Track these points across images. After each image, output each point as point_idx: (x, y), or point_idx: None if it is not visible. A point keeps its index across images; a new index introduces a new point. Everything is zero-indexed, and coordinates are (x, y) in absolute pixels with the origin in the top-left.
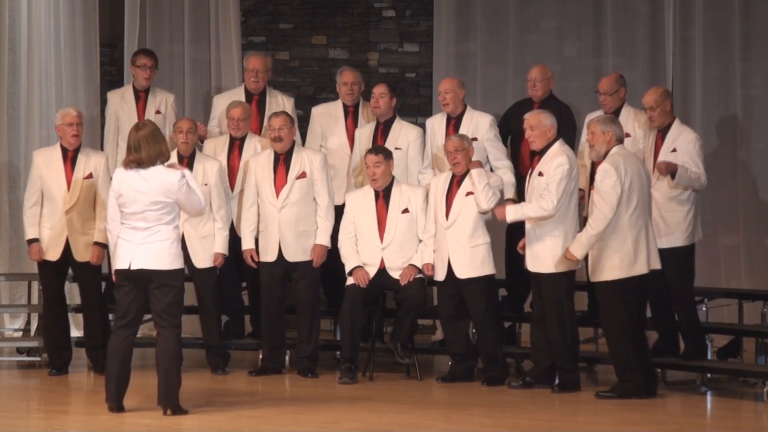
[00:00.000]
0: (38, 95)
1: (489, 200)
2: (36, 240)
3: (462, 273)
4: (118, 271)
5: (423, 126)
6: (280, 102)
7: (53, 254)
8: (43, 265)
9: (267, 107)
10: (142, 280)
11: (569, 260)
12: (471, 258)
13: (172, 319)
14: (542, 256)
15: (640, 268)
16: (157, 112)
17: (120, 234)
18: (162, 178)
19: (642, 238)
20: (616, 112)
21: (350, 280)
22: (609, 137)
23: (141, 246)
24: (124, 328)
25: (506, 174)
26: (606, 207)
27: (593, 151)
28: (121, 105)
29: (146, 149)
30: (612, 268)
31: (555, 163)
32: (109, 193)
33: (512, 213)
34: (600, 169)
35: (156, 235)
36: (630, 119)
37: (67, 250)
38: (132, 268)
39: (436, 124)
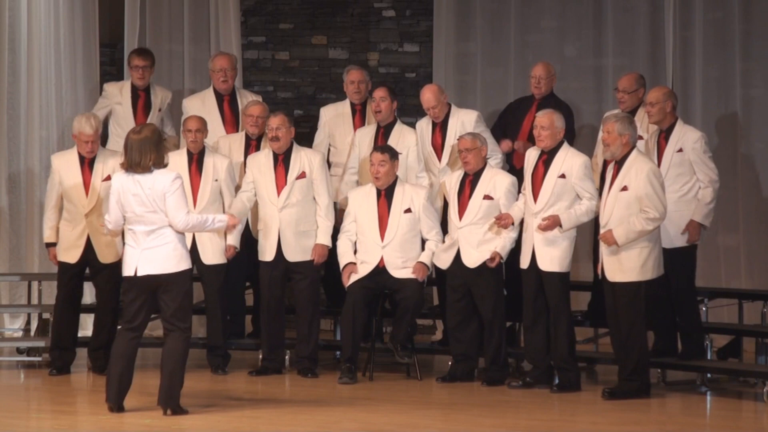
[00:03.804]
0: (38, 95)
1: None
2: (54, 244)
3: (471, 263)
4: (125, 278)
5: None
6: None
7: (73, 256)
8: (62, 266)
9: (240, 107)
10: (149, 285)
11: (609, 240)
12: (480, 257)
13: (182, 323)
14: (559, 257)
15: (662, 268)
16: (159, 109)
17: (125, 240)
18: (156, 179)
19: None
20: (632, 112)
21: (350, 279)
22: (625, 140)
23: (146, 251)
24: (131, 330)
25: (494, 163)
26: (662, 208)
27: (608, 151)
28: (119, 99)
29: (131, 155)
30: (648, 269)
31: (579, 164)
32: (110, 194)
33: (568, 222)
34: (649, 171)
35: (160, 238)
36: (644, 121)
37: (87, 251)
38: (138, 274)
39: (424, 126)
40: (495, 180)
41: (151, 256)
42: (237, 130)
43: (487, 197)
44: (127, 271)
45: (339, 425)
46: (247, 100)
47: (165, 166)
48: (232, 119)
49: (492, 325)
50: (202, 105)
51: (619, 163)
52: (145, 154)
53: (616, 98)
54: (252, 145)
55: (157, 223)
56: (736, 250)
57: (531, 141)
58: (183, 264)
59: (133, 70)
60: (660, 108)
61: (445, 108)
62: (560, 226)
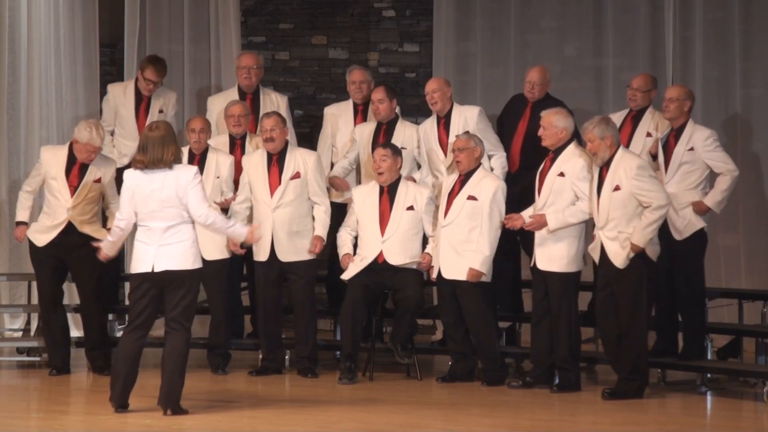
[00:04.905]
0: (38, 95)
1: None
2: (24, 223)
3: (449, 273)
4: (137, 275)
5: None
6: (274, 100)
7: (41, 240)
8: (38, 263)
9: (261, 105)
10: (163, 281)
11: (635, 250)
12: (460, 261)
13: (186, 322)
14: (557, 256)
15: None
16: (160, 110)
17: (137, 236)
18: (178, 174)
19: None
20: (641, 111)
21: (348, 269)
22: (609, 142)
23: (162, 248)
24: (137, 329)
25: (497, 162)
26: (662, 192)
27: (598, 158)
28: (123, 101)
29: (152, 152)
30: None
31: (578, 164)
32: (122, 191)
33: (555, 222)
34: (638, 167)
35: (177, 234)
36: (654, 119)
37: (61, 248)
38: (156, 270)
39: (428, 126)
40: (483, 182)
41: (168, 251)
42: (256, 129)
43: (472, 198)
44: (142, 267)
45: (339, 425)
46: (270, 98)
47: (181, 160)
48: (252, 117)
49: (476, 327)
50: (225, 102)
51: (607, 164)
52: (166, 150)
53: (616, 97)
54: (237, 144)
55: (176, 219)
56: (736, 250)
57: (528, 142)
58: (198, 263)
59: (144, 82)
60: (678, 105)
61: (448, 102)
62: (547, 226)
